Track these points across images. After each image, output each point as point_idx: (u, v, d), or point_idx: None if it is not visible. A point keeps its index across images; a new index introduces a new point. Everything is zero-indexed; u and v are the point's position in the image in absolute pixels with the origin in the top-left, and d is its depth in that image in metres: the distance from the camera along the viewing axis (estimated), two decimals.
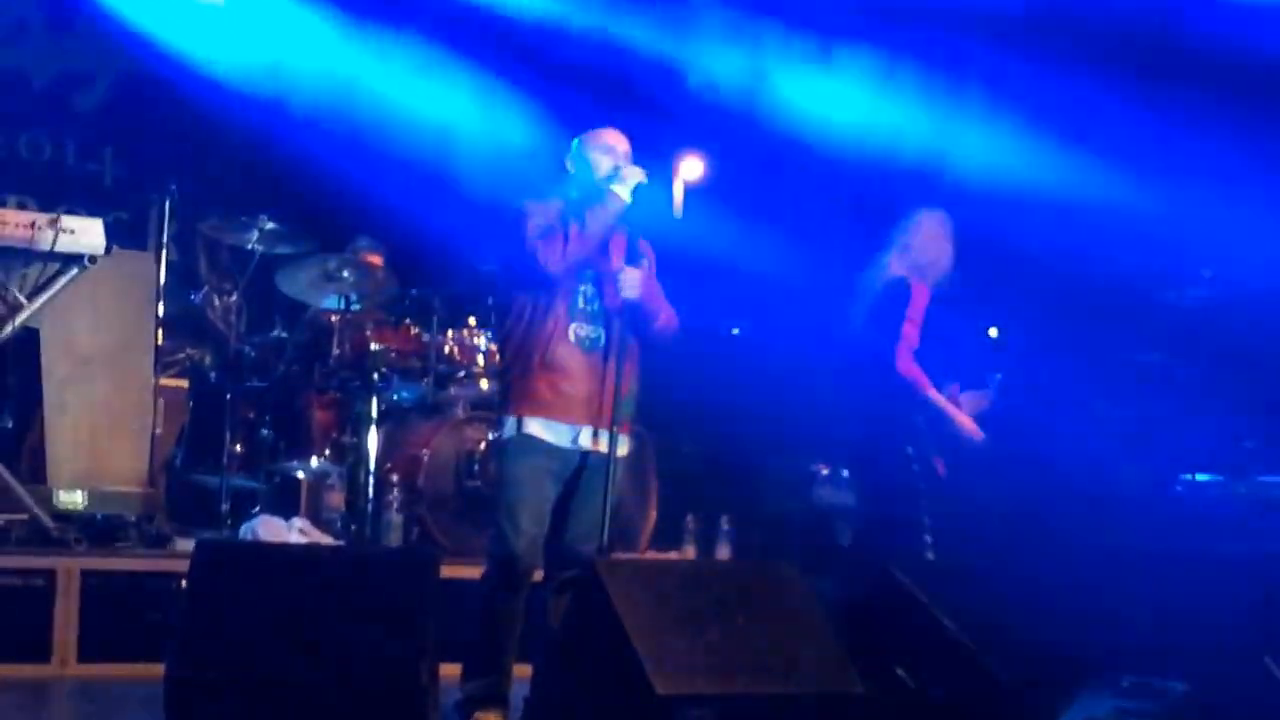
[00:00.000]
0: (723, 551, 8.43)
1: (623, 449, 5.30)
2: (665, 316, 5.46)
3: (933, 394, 6.22)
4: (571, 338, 5.25)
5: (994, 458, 6.33)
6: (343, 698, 4.10)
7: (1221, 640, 5.91)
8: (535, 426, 5.22)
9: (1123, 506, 8.68)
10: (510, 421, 5.27)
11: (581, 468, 5.26)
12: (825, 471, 8.85)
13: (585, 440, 5.24)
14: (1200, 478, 8.15)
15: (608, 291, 5.30)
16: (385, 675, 4.12)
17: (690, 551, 8.37)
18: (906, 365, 6.20)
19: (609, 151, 5.40)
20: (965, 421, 6.25)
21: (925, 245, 6.44)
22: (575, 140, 5.49)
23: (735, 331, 10.57)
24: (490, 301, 7.69)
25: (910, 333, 6.22)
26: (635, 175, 5.28)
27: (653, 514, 8.16)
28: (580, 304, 5.29)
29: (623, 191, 5.24)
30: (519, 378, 5.27)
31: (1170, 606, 7.12)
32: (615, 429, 5.18)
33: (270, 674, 4.05)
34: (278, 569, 4.34)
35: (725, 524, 8.58)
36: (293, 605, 4.19)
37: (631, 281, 5.24)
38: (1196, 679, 5.96)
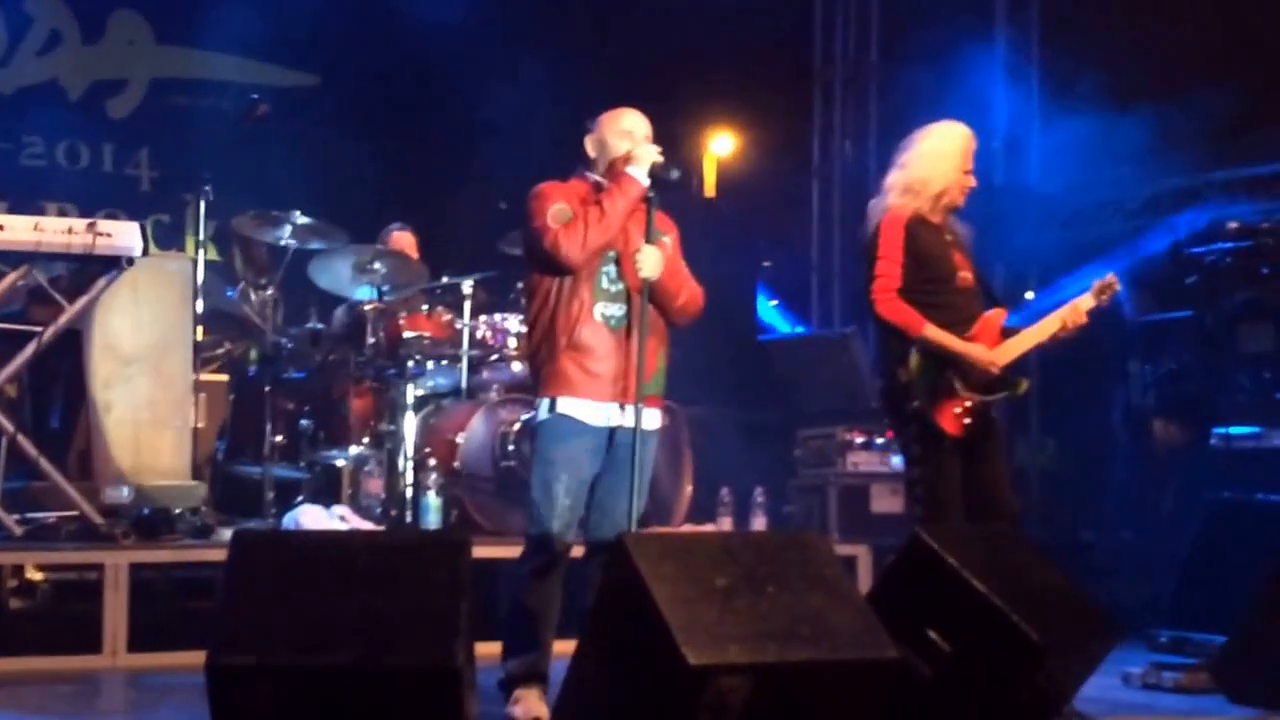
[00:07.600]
0: (758, 523, 8.46)
1: (653, 424, 5.36)
2: (687, 295, 5.44)
3: (928, 331, 5.71)
4: (598, 317, 5.26)
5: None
6: (379, 679, 4.16)
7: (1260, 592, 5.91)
8: (568, 406, 5.24)
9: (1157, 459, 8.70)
10: (544, 403, 5.30)
11: (611, 445, 5.30)
12: (859, 439, 8.89)
13: (614, 417, 5.28)
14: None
15: (628, 270, 5.31)
16: (420, 656, 4.17)
17: (726, 524, 8.40)
18: (887, 307, 5.75)
19: (627, 134, 5.37)
20: (976, 354, 5.73)
21: (917, 163, 5.88)
22: (594, 122, 5.44)
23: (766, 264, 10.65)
24: (518, 285, 7.77)
25: (886, 270, 5.75)
26: (648, 155, 5.28)
27: (688, 488, 8.21)
28: (604, 284, 5.29)
29: (637, 173, 5.26)
30: (548, 359, 5.29)
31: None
32: (640, 404, 5.23)
33: (307, 658, 4.12)
34: (312, 556, 4.40)
35: (759, 496, 8.64)
36: (328, 591, 4.25)
37: (649, 260, 5.25)
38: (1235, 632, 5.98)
